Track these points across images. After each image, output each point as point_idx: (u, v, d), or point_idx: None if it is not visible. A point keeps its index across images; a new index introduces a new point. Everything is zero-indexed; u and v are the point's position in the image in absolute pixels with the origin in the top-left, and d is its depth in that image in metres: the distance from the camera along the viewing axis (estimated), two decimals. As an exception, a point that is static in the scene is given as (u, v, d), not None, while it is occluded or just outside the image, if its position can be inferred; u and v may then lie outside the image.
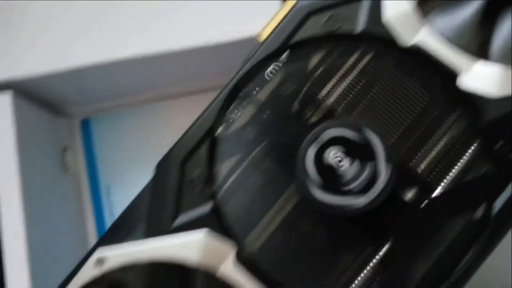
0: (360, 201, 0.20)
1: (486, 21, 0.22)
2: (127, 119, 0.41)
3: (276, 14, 0.24)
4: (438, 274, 0.21)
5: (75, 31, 0.32)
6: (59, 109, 0.39)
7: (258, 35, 0.24)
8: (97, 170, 0.41)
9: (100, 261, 0.22)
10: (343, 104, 0.22)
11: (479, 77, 0.21)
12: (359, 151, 0.20)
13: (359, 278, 0.21)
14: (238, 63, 0.24)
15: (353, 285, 0.21)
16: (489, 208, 0.21)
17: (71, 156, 0.40)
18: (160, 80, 0.37)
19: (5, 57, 0.31)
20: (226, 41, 0.30)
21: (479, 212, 0.21)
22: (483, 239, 0.21)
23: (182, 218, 0.22)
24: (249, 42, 0.26)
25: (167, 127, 0.40)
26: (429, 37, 0.21)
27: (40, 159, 0.35)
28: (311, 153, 0.20)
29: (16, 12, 0.32)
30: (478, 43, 0.22)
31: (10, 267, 0.29)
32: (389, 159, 0.20)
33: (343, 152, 0.20)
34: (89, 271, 0.22)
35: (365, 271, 0.21)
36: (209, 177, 0.22)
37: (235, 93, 0.23)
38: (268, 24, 0.24)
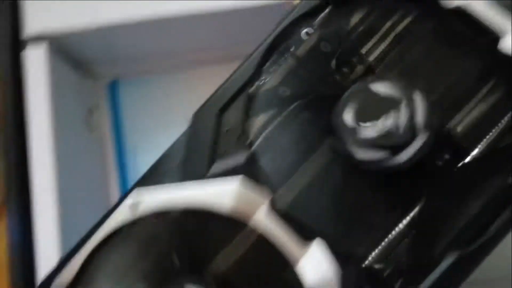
0: (398, 157, 0.20)
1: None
2: (155, 84, 0.41)
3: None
4: (468, 236, 0.21)
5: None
6: (88, 69, 0.39)
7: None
8: (122, 133, 0.41)
9: (134, 205, 0.22)
10: (382, 64, 0.23)
11: (522, 40, 0.21)
12: (399, 108, 0.20)
13: (390, 235, 0.21)
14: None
15: (385, 241, 0.21)
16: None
17: (97, 117, 0.40)
18: (191, 45, 0.38)
19: (40, 9, 0.32)
20: (263, 3, 0.30)
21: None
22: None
23: (217, 166, 0.22)
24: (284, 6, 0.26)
25: (195, 95, 0.40)
26: (473, -1, 0.21)
27: (68, 115, 0.36)
28: (351, 104, 0.20)
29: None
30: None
31: (39, 216, 0.30)
32: (428, 118, 0.20)
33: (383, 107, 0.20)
34: (123, 214, 0.22)
35: (396, 229, 0.21)
36: (245, 128, 0.22)
37: (273, 48, 0.23)
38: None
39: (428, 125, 0.20)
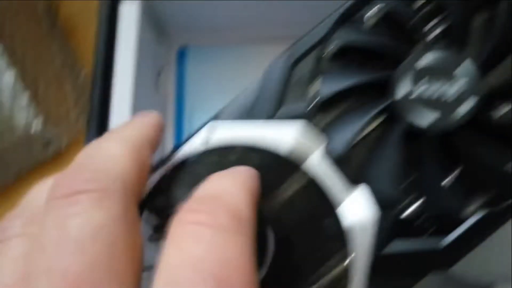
0: (447, 119, 0.23)
1: None
2: (221, 54, 0.45)
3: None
4: (499, 196, 0.24)
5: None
6: (165, 32, 0.43)
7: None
8: (183, 96, 0.45)
9: (207, 138, 0.26)
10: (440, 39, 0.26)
11: None
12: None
13: (429, 189, 0.24)
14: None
15: (423, 194, 0.24)
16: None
17: (164, 78, 0.44)
18: (261, 22, 0.41)
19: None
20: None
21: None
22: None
23: (283, 111, 0.26)
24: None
25: (258, 69, 0.43)
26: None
27: (142, 72, 0.40)
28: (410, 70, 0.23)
29: None
30: None
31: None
32: (476, 84, 0.23)
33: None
34: (195, 145, 0.26)
35: (435, 184, 0.24)
36: (312, 82, 0.25)
37: (346, 16, 0.26)
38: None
39: (476, 90, 0.23)
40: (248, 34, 0.43)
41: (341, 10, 0.26)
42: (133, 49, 0.35)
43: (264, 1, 0.38)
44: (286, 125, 0.25)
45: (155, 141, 0.23)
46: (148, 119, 0.23)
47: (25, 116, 0.43)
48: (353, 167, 0.25)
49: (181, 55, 0.45)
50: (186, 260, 0.16)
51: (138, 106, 0.38)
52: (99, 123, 0.35)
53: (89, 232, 0.16)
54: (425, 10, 0.26)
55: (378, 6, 0.26)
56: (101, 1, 0.37)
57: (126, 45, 0.35)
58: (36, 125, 0.44)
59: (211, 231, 0.17)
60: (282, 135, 0.25)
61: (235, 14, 0.40)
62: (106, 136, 0.20)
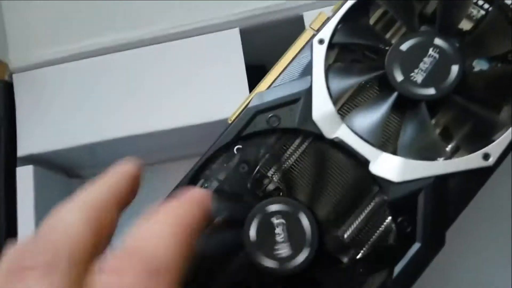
0: (287, 266, 0.25)
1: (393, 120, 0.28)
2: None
3: (241, 104, 0.30)
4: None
5: (86, 114, 0.39)
6: (73, 173, 0.45)
7: (229, 118, 0.30)
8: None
9: None
10: (286, 181, 0.28)
11: (384, 166, 0.26)
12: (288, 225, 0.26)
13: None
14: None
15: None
16: (391, 271, 0.26)
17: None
18: (155, 149, 0.44)
19: (28, 135, 0.39)
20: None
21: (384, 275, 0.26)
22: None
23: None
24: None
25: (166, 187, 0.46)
26: (346, 132, 0.27)
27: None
28: (254, 224, 0.26)
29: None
30: (385, 139, 0.28)
31: None
32: (313, 235, 0.26)
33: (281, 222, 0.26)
34: None
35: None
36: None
37: (200, 173, 0.29)
38: (236, 111, 0.30)
39: (312, 241, 0.25)
40: (150, 157, 0.46)
41: (190, 174, 0.28)
42: (33, 206, 0.38)
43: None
44: None
45: (127, 195, 0.22)
46: (120, 173, 0.22)
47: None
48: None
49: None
50: None
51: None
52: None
53: None
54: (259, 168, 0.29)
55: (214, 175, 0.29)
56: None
57: (26, 204, 0.38)
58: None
59: None
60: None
61: (132, 146, 0.42)
62: (67, 202, 0.20)
